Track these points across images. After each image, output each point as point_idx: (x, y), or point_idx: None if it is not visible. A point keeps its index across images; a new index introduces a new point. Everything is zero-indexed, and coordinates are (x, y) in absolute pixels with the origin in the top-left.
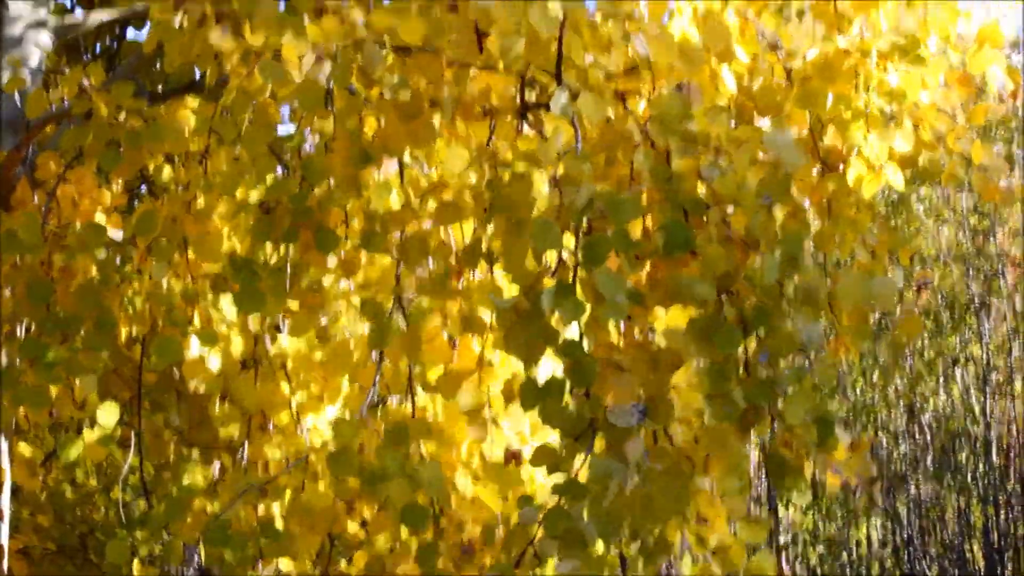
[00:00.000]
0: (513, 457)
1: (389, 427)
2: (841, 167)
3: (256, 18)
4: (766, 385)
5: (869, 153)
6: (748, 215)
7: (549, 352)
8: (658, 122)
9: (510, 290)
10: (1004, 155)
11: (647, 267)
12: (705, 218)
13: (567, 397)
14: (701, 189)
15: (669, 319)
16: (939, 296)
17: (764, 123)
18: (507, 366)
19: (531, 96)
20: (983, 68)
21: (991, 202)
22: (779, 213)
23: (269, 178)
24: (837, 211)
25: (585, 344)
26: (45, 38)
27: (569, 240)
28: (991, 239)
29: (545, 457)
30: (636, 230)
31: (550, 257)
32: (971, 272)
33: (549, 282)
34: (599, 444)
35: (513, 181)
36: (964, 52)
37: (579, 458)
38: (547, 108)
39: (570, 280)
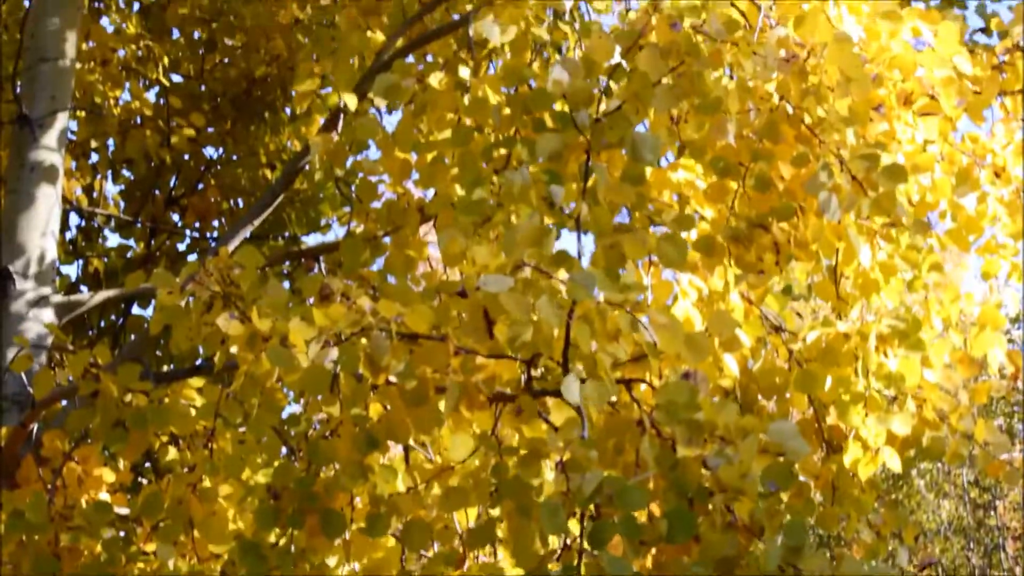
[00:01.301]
0: None
1: None
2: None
3: (263, 303)
4: None
5: (867, 435)
6: (752, 503)
7: None
8: (664, 410)
9: (513, 574)
10: (1006, 428)
11: (652, 552)
12: (710, 505)
13: None
14: (706, 475)
15: None
16: (940, 569)
17: (770, 404)
18: None
19: (536, 372)
20: (984, 350)
21: (994, 477)
22: (784, 495)
23: (275, 462)
24: (841, 491)
25: None
26: (49, 315)
27: (574, 524)
28: (992, 512)
29: None
30: (641, 515)
31: (555, 541)
32: (972, 545)
33: (554, 566)
34: None
35: (520, 466)
36: (965, 330)
37: None
38: (553, 394)
39: (575, 564)
